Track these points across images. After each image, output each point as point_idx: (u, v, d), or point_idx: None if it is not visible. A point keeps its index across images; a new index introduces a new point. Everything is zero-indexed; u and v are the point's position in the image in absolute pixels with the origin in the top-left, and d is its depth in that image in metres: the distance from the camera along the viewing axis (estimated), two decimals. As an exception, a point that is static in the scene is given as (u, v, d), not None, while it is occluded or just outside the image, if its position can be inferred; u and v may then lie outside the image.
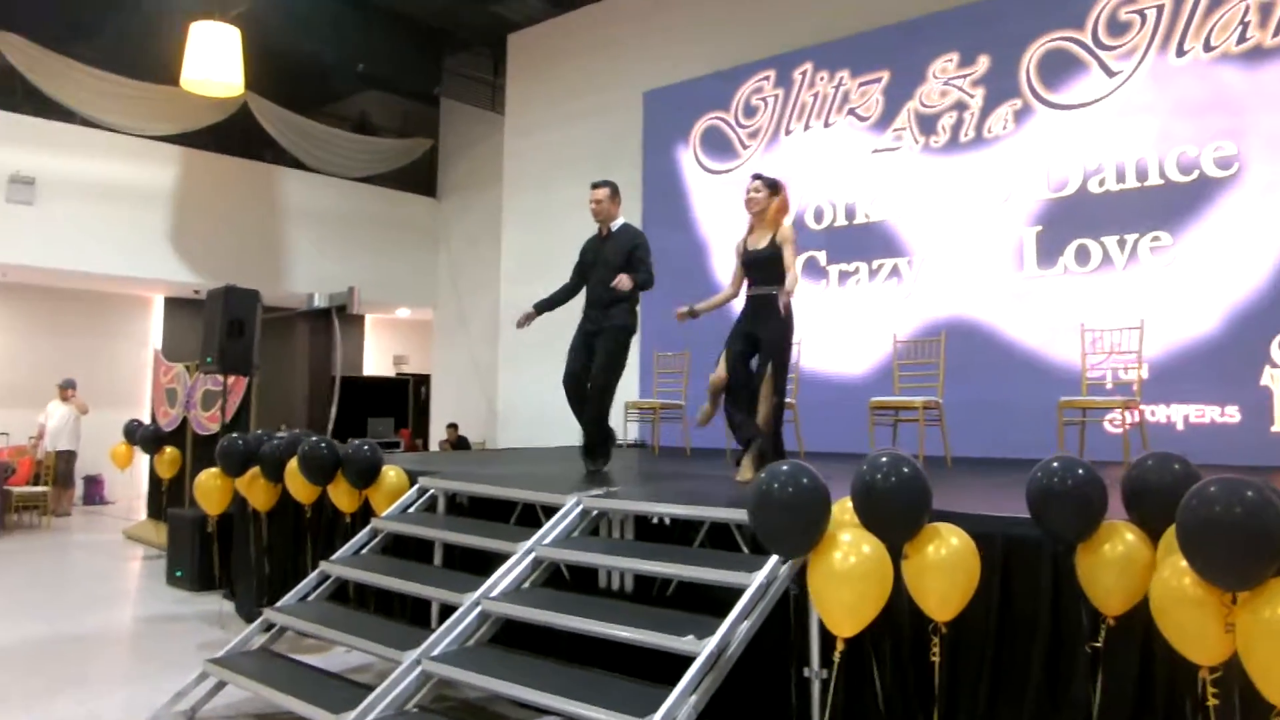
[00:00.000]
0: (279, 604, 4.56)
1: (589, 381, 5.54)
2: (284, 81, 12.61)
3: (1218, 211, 6.61)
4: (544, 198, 11.51)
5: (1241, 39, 6.57)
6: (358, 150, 13.98)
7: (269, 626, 4.50)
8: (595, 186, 5.64)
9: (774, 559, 3.44)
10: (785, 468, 3.30)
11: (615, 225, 5.66)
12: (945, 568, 3.08)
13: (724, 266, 9.14)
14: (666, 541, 4.24)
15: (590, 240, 5.75)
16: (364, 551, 4.84)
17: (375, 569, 4.57)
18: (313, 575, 4.73)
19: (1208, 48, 6.71)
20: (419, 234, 14.73)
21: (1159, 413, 6.62)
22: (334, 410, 12.48)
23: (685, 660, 3.19)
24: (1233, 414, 6.46)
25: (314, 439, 5.38)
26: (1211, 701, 2.75)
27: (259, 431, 6.05)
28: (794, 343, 5.14)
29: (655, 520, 4.31)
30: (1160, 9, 6.89)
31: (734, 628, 3.27)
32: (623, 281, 5.30)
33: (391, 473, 5.18)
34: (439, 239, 14.91)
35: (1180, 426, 6.62)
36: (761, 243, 5.13)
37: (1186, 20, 6.79)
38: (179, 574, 7.00)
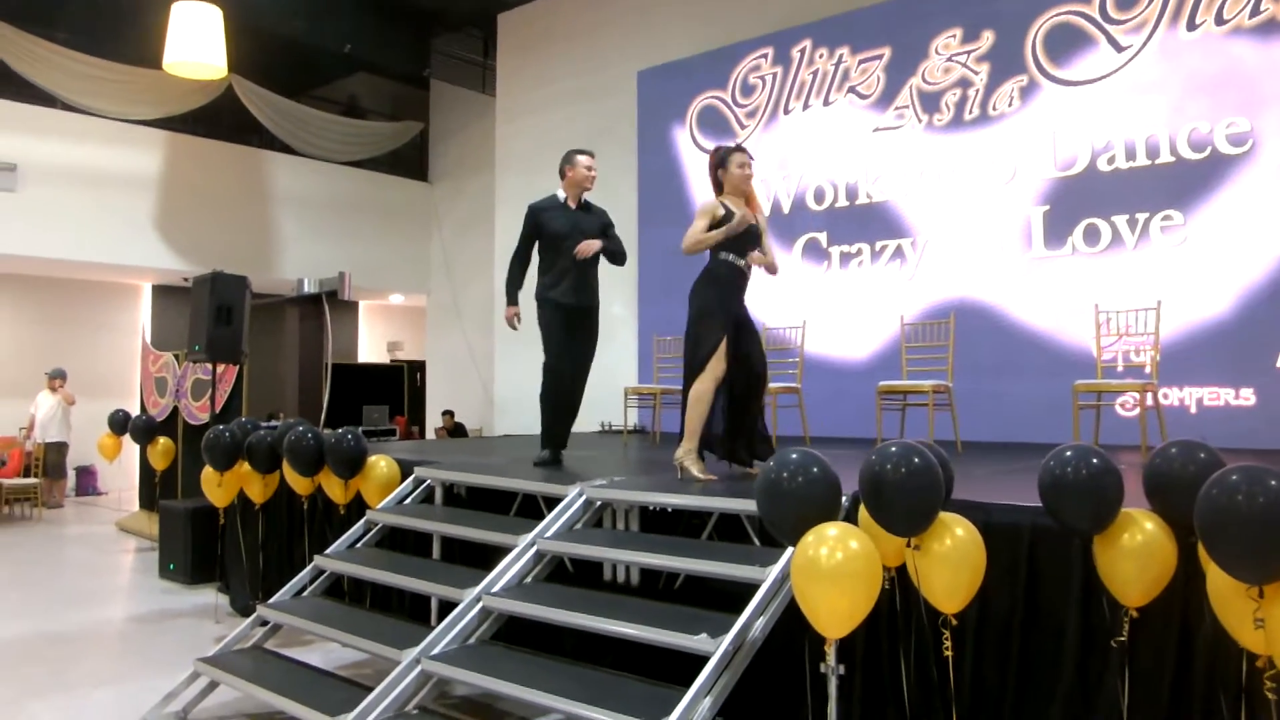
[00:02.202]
0: (273, 600, 4.41)
1: (576, 374, 5.39)
2: (270, 64, 12.37)
3: (1231, 189, 6.45)
4: (537, 180, 11.26)
5: (1255, 11, 6.40)
6: (347, 134, 13.76)
7: (263, 623, 4.35)
8: (590, 154, 5.48)
9: (790, 552, 3.29)
10: (795, 456, 3.14)
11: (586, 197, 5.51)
12: (951, 560, 2.92)
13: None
14: (672, 532, 4.09)
15: (557, 210, 5.43)
16: (359, 545, 4.68)
17: (371, 563, 4.42)
18: (307, 570, 4.58)
19: (1220, 21, 6.54)
20: (411, 219, 14.53)
21: (1171, 395, 6.48)
22: (326, 398, 12.30)
23: (698, 659, 3.05)
24: (1248, 397, 6.32)
25: (299, 428, 5.21)
26: (1270, 695, 2.61)
27: (243, 420, 5.86)
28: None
29: (659, 510, 4.15)
30: (1171, -19, 6.72)
31: (749, 625, 3.13)
32: (591, 246, 5.20)
33: (382, 463, 5.01)
34: (431, 224, 14.71)
35: (1194, 410, 6.49)
36: (754, 217, 4.80)
37: (1198, -8, 6.62)
38: (171, 567, 6.85)
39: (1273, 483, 2.37)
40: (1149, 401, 5.67)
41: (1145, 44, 6.82)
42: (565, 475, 4.58)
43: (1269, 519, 2.33)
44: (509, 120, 11.90)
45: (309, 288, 12.55)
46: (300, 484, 5.22)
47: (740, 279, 4.66)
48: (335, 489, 5.06)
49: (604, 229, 5.42)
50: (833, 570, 2.82)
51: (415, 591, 4.21)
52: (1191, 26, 6.65)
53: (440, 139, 14.80)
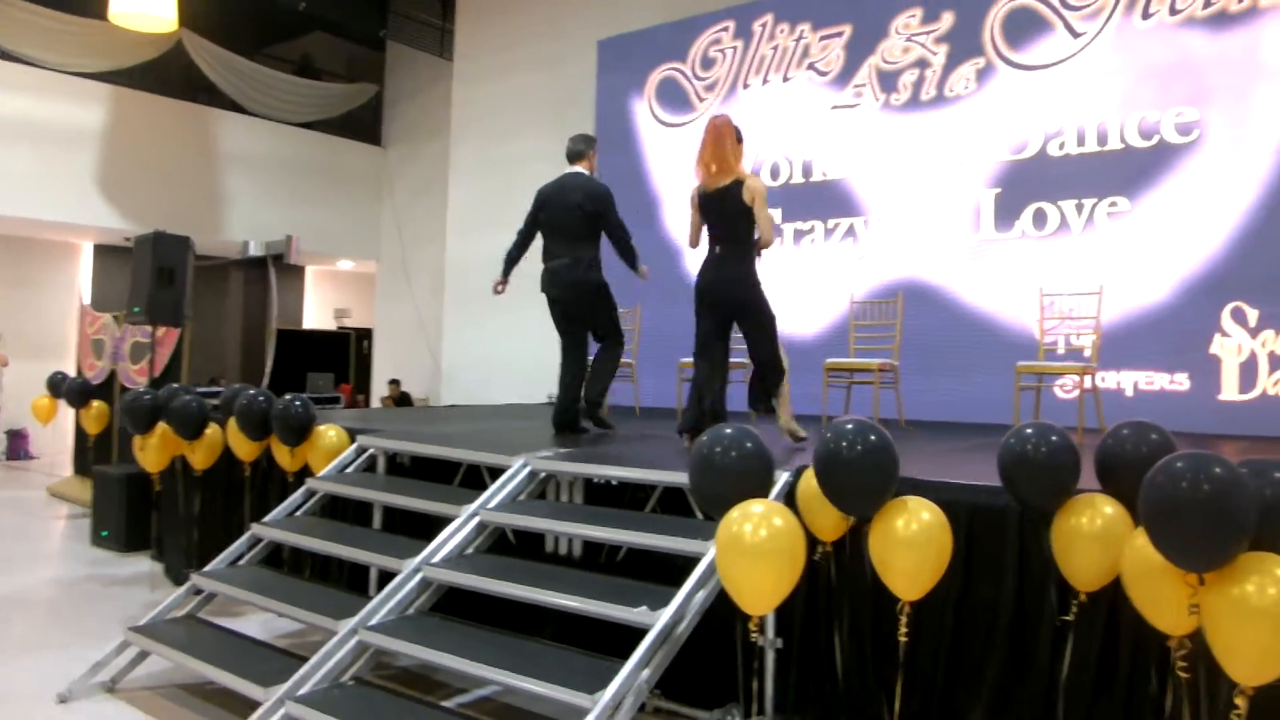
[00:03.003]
0: (208, 568, 4.33)
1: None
2: (222, 19, 12.05)
3: (1176, 178, 6.55)
4: (494, 148, 11.19)
5: (1208, 3, 6.48)
6: (299, 94, 13.46)
7: (197, 592, 4.27)
8: None
9: (732, 527, 3.29)
10: (729, 431, 3.14)
11: None
12: (915, 544, 2.91)
13: (676, 221, 8.95)
14: (616, 505, 4.08)
15: None
16: (299, 513, 4.60)
17: (310, 532, 4.35)
18: (244, 538, 4.50)
19: (1173, 11, 6.61)
20: (362, 183, 14.29)
21: (1109, 379, 6.58)
22: (270, 363, 12.11)
23: (637, 631, 3.04)
24: (1181, 381, 6.45)
25: (250, 392, 5.11)
26: (1181, 675, 2.67)
27: (175, 385, 5.71)
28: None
29: (604, 482, 4.14)
30: (1127, -31, 6.77)
31: (689, 598, 3.13)
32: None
33: (331, 432, 4.93)
34: (383, 189, 14.48)
35: (1130, 393, 6.60)
36: None
37: (1153, -19, 6.68)
38: (104, 534, 6.69)
39: (1217, 470, 2.38)
40: (1088, 384, 5.76)
41: (1100, 31, 6.88)
42: (510, 446, 4.54)
43: (1214, 507, 2.35)
44: (466, 85, 11.72)
45: (255, 250, 12.31)
46: (244, 449, 5.12)
47: None
48: (284, 456, 4.97)
49: None
50: (756, 547, 2.82)
51: (354, 561, 4.16)
52: (1146, 15, 6.71)
53: (395, 102, 14.55)
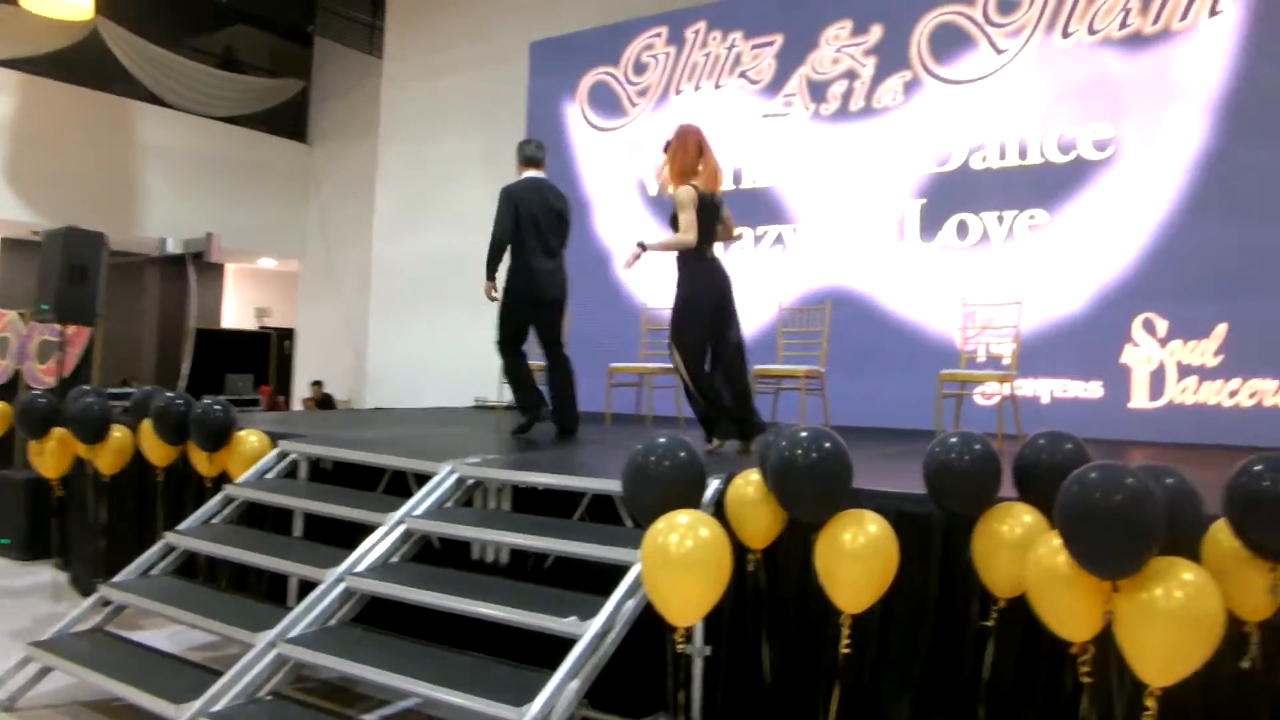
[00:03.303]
0: (117, 579, 4.17)
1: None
2: (141, 8, 11.71)
3: (1092, 193, 6.74)
4: (423, 148, 11.04)
5: (1123, 24, 6.69)
6: (222, 88, 13.12)
7: (105, 603, 4.11)
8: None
9: (661, 535, 3.28)
10: (662, 441, 3.13)
11: None
12: (862, 557, 2.92)
13: (606, 225, 8.94)
14: (544, 512, 4.03)
15: None
16: (215, 521, 4.46)
17: (227, 541, 4.21)
18: (157, 546, 4.34)
19: (1091, 31, 6.81)
20: (287, 181, 13.98)
21: (1026, 386, 6.75)
22: (187, 365, 11.76)
23: (566, 641, 3.01)
24: (1095, 389, 6.64)
25: (168, 394, 4.95)
26: (1085, 680, 2.73)
27: (80, 387, 5.49)
28: (693, 308, 4.83)
29: (531, 489, 4.09)
30: (1048, -11, 6.96)
31: (619, 607, 3.11)
32: None
33: (252, 436, 4.78)
34: (308, 187, 14.19)
35: (1046, 400, 6.78)
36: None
37: (1072, 3, 6.86)
38: (5, 542, 6.42)
39: (1129, 480, 2.45)
40: (1007, 392, 5.90)
41: (1023, 48, 7.05)
42: (437, 452, 4.47)
43: (1128, 516, 2.42)
44: (396, 84, 11.56)
45: (173, 248, 11.95)
46: (158, 454, 4.95)
47: None
48: (201, 462, 4.82)
49: None
50: (682, 558, 2.82)
51: (273, 571, 4.05)
52: (1065, 35, 6.90)
53: (322, 99, 14.27)
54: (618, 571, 3.25)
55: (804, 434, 3.04)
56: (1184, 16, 6.50)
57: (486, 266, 5.42)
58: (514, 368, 5.61)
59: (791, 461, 3.00)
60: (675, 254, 4.80)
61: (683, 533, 2.85)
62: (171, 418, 4.79)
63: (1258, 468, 2.56)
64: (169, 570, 4.30)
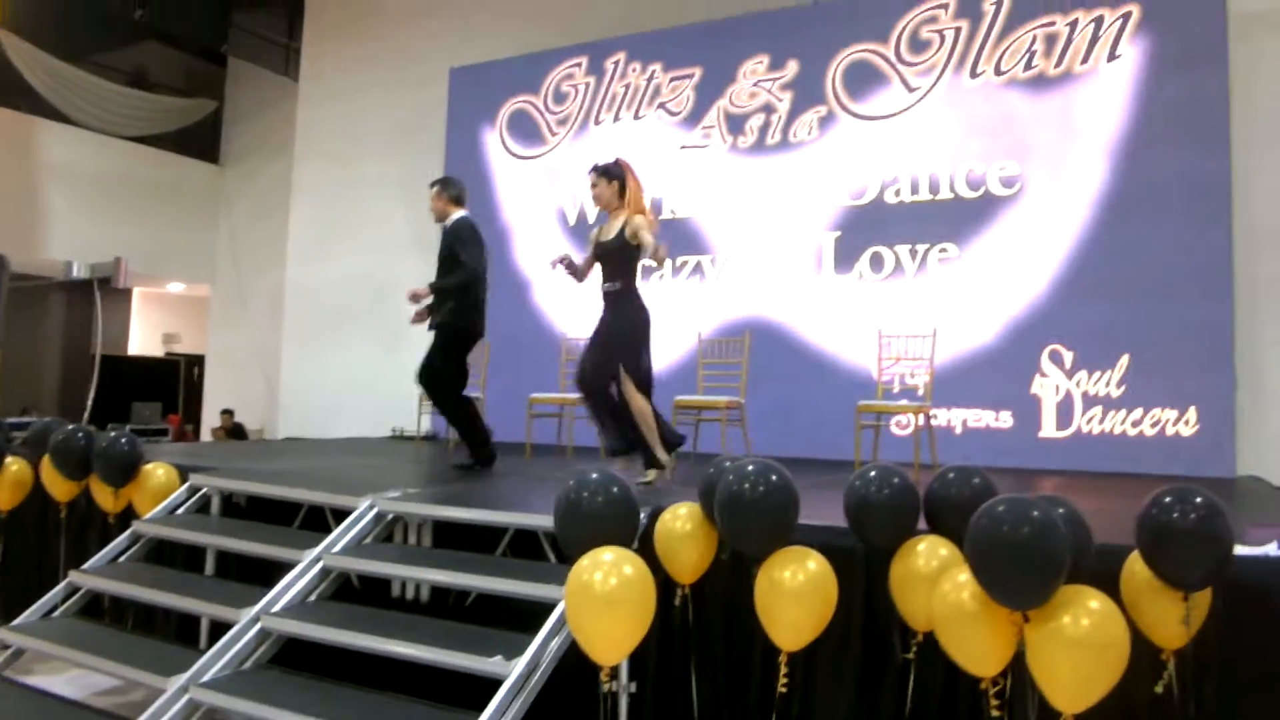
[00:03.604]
0: (17, 621, 3.99)
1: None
2: (48, 22, 11.30)
3: (1000, 227, 6.98)
4: (338, 171, 10.88)
5: (1028, 66, 6.97)
6: (132, 107, 12.71)
7: (3, 647, 3.92)
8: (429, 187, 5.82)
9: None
10: (595, 476, 3.14)
11: (447, 223, 5.66)
12: (802, 596, 2.95)
13: (526, 254, 8.93)
14: (466, 548, 3.99)
15: None
16: (122, 560, 4.31)
17: (135, 580, 4.07)
18: (59, 587, 4.17)
19: (998, 71, 7.07)
20: (197, 202, 13.60)
21: (940, 416, 6.93)
22: (92, 393, 11.34)
23: (491, 682, 2.98)
24: (1006, 419, 6.85)
25: (69, 428, 4.76)
26: (995, 714, 2.80)
27: None
28: (645, 334, 4.88)
29: (453, 523, 4.05)
30: (958, 31, 7.21)
31: (544, 646, 3.09)
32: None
33: (160, 470, 4.64)
34: (220, 209, 13.84)
35: (959, 430, 6.97)
36: (611, 233, 4.87)
37: (980, 44, 7.13)
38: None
39: (1035, 513, 2.54)
40: (922, 422, 6.05)
41: (933, 87, 7.29)
42: (355, 485, 4.39)
43: (1034, 548, 2.50)
44: (312, 106, 11.38)
45: (79, 272, 11.53)
46: (60, 489, 4.76)
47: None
48: (106, 497, 4.65)
49: (451, 248, 5.62)
50: (606, 596, 2.82)
51: (184, 611, 3.91)
52: (974, 74, 7.15)
53: (235, 120, 13.96)
54: (542, 608, 3.24)
55: (751, 467, 3.08)
56: (1085, 60, 6.80)
57: (455, 293, 5.42)
58: (467, 404, 5.62)
59: (739, 495, 3.03)
60: (620, 282, 4.79)
61: (607, 570, 2.85)
62: (73, 452, 4.62)
63: (1167, 499, 2.66)
64: (72, 611, 4.13)
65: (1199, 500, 2.61)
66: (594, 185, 4.95)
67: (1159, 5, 6.62)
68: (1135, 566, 2.77)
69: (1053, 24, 6.91)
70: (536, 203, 8.99)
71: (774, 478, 3.06)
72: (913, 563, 3.01)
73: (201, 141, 13.85)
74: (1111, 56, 6.73)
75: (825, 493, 3.48)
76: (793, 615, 2.97)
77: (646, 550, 3.26)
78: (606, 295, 4.85)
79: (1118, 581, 2.79)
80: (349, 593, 3.94)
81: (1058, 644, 2.54)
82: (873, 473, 3.15)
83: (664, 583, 3.13)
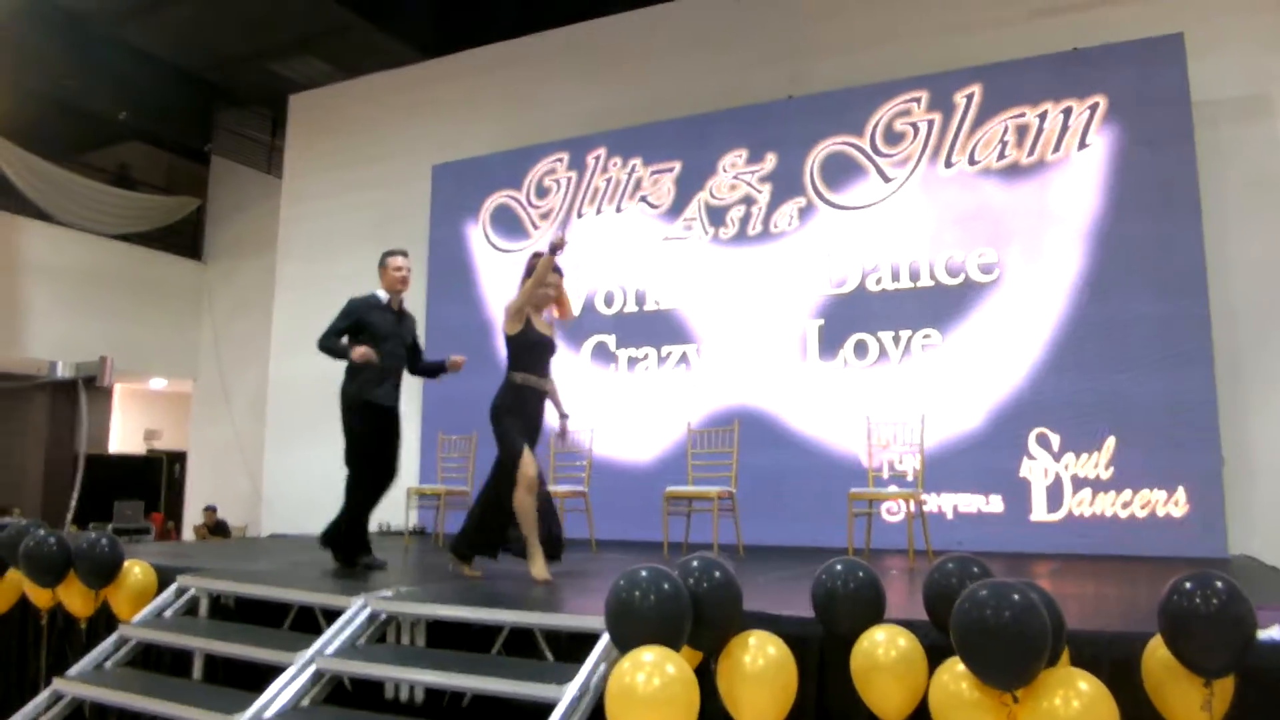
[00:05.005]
0: (-3, 734, 3.88)
1: (392, 475, 5.38)
2: (32, 122, 11.42)
3: (981, 313, 7.09)
4: (321, 268, 10.95)
5: (1001, 156, 7.17)
6: (115, 205, 12.81)
7: (-17, 763, 3.81)
8: (403, 255, 5.47)
9: (587, 668, 3.23)
10: (645, 573, 3.09)
11: (404, 300, 5.55)
12: (763, 680, 2.97)
13: (514, 347, 8.94)
14: (459, 646, 3.92)
15: (380, 309, 5.39)
16: (108, 665, 4.21)
17: (122, 686, 3.97)
18: (43, 695, 4.07)
19: (972, 161, 7.27)
20: (180, 299, 13.62)
21: (931, 502, 6.93)
22: (76, 493, 11.16)
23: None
24: (996, 504, 6.86)
25: (40, 532, 4.69)
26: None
27: None
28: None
29: (449, 623, 3.99)
30: (931, 123, 7.42)
31: (548, 749, 3.02)
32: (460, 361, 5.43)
33: (137, 569, 4.57)
34: (202, 305, 13.86)
35: (950, 515, 6.96)
36: (551, 330, 5.09)
37: (954, 136, 7.34)
38: None
39: (1016, 596, 2.62)
40: (913, 509, 6.04)
41: (909, 177, 7.47)
42: (348, 585, 4.32)
43: (1016, 630, 2.57)
44: (294, 203, 11.51)
45: (63, 371, 11.45)
46: (40, 595, 4.67)
47: (534, 395, 4.97)
48: (77, 600, 4.55)
49: (414, 339, 5.55)
50: (650, 697, 2.78)
51: (173, 718, 3.81)
52: (949, 165, 7.35)
53: (218, 217, 14.08)
54: (541, 709, 3.17)
55: (695, 564, 3.15)
56: (1056, 149, 7.01)
57: None
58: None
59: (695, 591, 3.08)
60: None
61: (649, 671, 2.82)
62: (44, 559, 4.55)
63: (1188, 585, 2.67)
64: (55, 722, 4.02)
65: (1220, 585, 2.64)
66: (556, 286, 5.14)
67: (1125, 96, 6.85)
68: (1158, 651, 2.78)
69: (1023, 115, 7.13)
70: (521, 295, 9.04)
71: (717, 574, 3.13)
72: (873, 651, 3.03)
73: (185, 239, 13.95)
74: (1082, 145, 6.93)
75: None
76: (755, 699, 3.00)
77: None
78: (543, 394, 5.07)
79: (1130, 668, 2.81)
80: (342, 696, 3.86)
81: (1055, 720, 2.55)
82: (839, 566, 3.24)
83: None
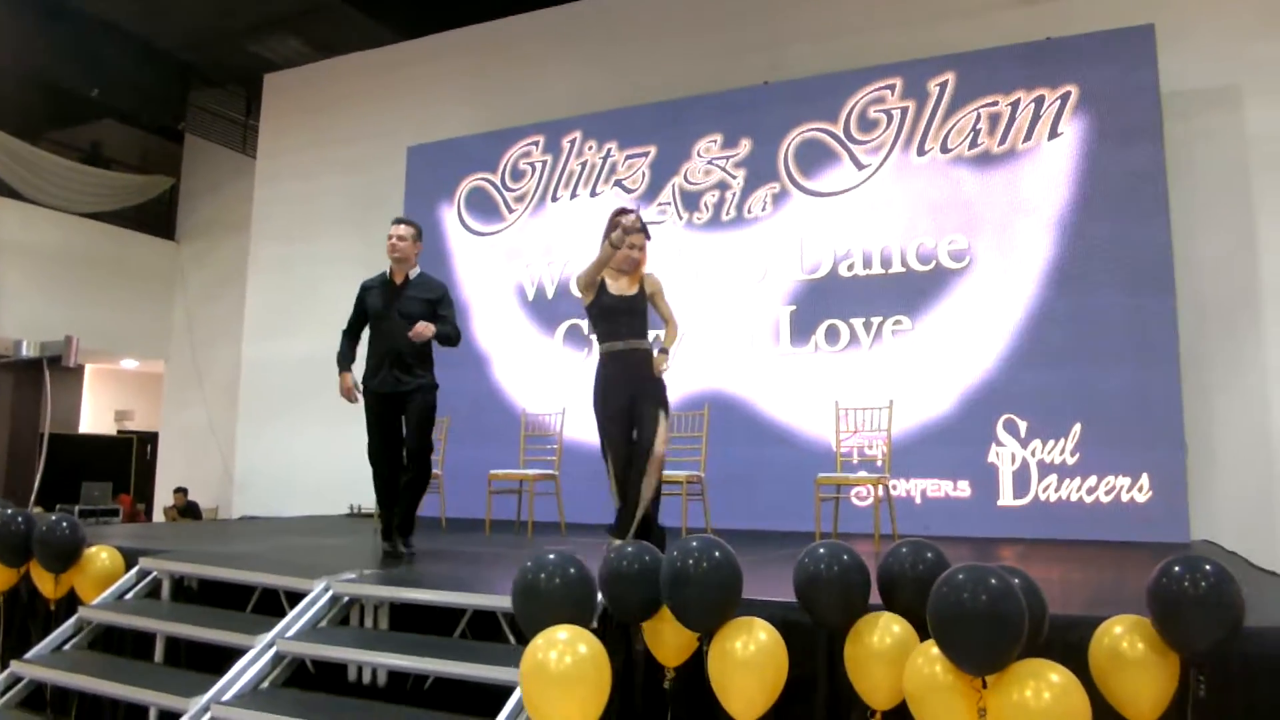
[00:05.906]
0: (-47, 716, 3.85)
1: (408, 450, 5.06)
2: (3, 98, 11.27)
3: (951, 299, 7.13)
4: (295, 248, 10.89)
5: (973, 144, 7.19)
6: (87, 183, 12.65)
7: (-62, 744, 3.79)
8: (398, 223, 5.14)
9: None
10: (552, 556, 3.12)
11: (413, 273, 5.18)
12: (753, 666, 2.95)
13: (485, 328, 8.94)
14: (423, 629, 3.92)
15: (374, 288, 5.18)
16: (67, 648, 4.19)
17: (80, 669, 3.95)
18: (0, 677, 4.03)
19: (945, 149, 7.29)
20: (152, 279, 13.48)
21: (900, 487, 6.97)
22: (40, 473, 11.07)
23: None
24: (964, 489, 6.91)
25: (9, 511, 4.65)
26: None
27: None
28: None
29: (410, 605, 3.98)
30: (904, 111, 7.43)
31: (505, 731, 3.03)
32: (423, 329, 4.86)
33: (103, 554, 4.54)
34: (175, 285, 13.74)
35: (919, 500, 7.01)
36: (633, 288, 4.81)
37: (927, 123, 7.35)
38: None
39: (993, 581, 2.60)
40: (881, 493, 6.08)
41: (882, 164, 7.48)
42: (310, 567, 4.31)
43: (993, 614, 2.55)
44: (268, 183, 11.42)
45: (28, 351, 11.32)
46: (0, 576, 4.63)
47: (615, 362, 4.78)
48: (45, 583, 4.52)
49: (433, 306, 5.10)
50: (562, 675, 2.78)
51: (131, 701, 3.79)
52: (921, 152, 7.36)
53: (192, 196, 13.94)
54: (502, 692, 3.18)
55: (694, 544, 3.09)
56: (1028, 138, 7.04)
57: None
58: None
59: (684, 571, 3.04)
60: (646, 340, 4.86)
61: (561, 649, 2.81)
62: (10, 539, 4.50)
63: (1176, 569, 2.70)
64: (13, 703, 4.00)
65: (1209, 568, 2.67)
66: (641, 248, 4.82)
67: (1096, 86, 6.88)
68: (1104, 639, 2.79)
69: (995, 104, 7.16)
70: (495, 278, 9.04)
71: (717, 554, 3.08)
72: (866, 640, 3.01)
73: (156, 217, 13.79)
74: (1053, 134, 6.96)
75: (787, 566, 3.45)
76: (745, 685, 2.98)
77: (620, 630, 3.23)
78: (630, 354, 4.79)
79: (1080, 652, 2.82)
80: (304, 678, 3.85)
81: (1018, 714, 2.55)
82: (821, 549, 3.16)
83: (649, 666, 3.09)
